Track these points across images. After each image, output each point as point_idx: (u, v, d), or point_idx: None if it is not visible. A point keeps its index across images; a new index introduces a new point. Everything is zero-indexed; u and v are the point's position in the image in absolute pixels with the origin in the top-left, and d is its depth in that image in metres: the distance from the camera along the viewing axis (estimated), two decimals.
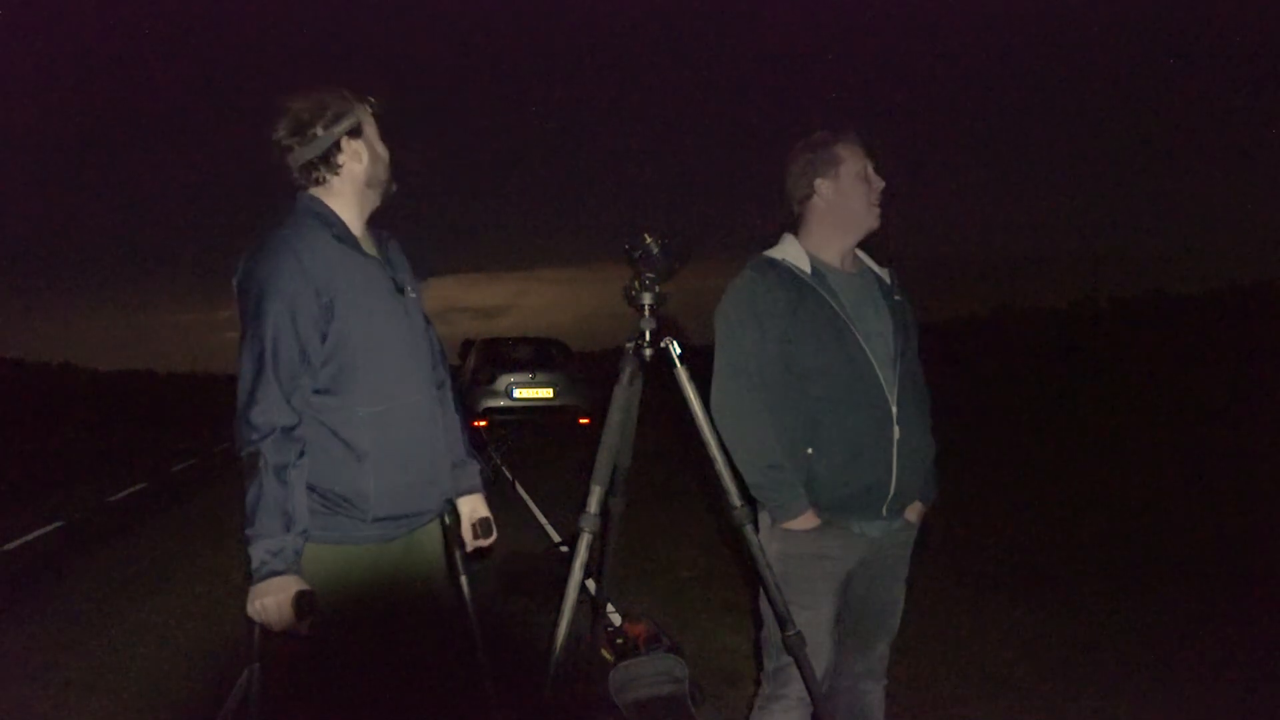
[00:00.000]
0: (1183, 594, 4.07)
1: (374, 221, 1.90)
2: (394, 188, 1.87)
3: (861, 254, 2.12)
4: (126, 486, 8.54)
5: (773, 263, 2.03)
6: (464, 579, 1.98)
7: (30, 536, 6.18)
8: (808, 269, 2.01)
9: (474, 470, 2.00)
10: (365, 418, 1.72)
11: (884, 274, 2.11)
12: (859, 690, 2.12)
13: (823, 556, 1.98)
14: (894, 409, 1.95)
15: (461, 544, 1.98)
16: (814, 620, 1.98)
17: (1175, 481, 6.89)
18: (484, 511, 1.98)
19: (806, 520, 1.95)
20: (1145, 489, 6.66)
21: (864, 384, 1.95)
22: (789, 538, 1.97)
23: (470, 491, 1.99)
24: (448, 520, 1.97)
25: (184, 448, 12.56)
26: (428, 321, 1.98)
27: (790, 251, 2.04)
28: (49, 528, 6.47)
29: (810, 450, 1.95)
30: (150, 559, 5.44)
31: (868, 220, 2.03)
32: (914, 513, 2.07)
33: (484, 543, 1.97)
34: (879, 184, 2.04)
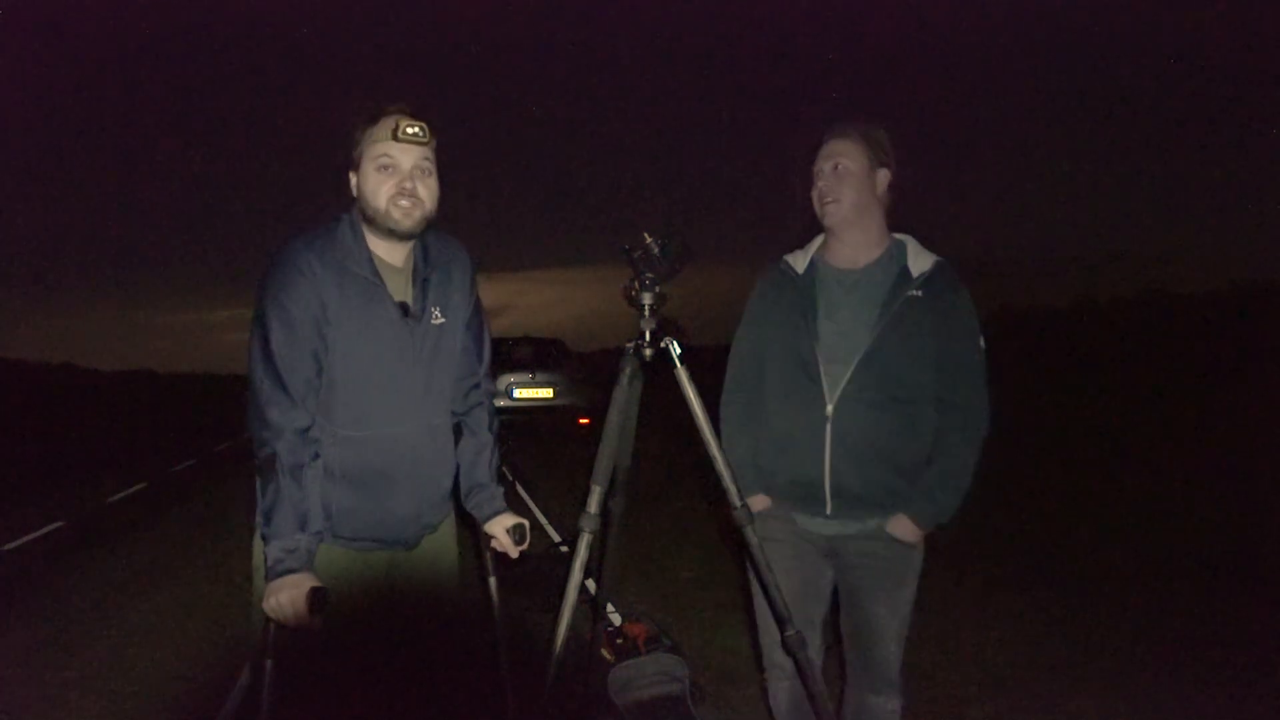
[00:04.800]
0: (1183, 593, 4.08)
1: (434, 238, 1.86)
2: (401, 224, 1.74)
3: (913, 249, 2.04)
4: (126, 486, 8.53)
5: (777, 264, 2.13)
6: (492, 580, 1.99)
7: (30, 536, 6.17)
8: (800, 268, 2.08)
9: (496, 494, 1.97)
10: (339, 439, 1.73)
11: (918, 269, 1.99)
12: (866, 704, 2.10)
13: (770, 539, 2.02)
14: (829, 407, 1.97)
15: (492, 548, 1.99)
16: (763, 606, 2.10)
17: (1176, 481, 6.89)
18: (514, 519, 1.96)
19: (759, 501, 2.08)
20: (1145, 489, 6.66)
21: (805, 379, 2.00)
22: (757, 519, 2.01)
23: (496, 515, 1.97)
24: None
25: (184, 448, 12.55)
26: (478, 342, 1.96)
27: (801, 252, 2.13)
28: (49, 528, 6.46)
29: (757, 439, 2.07)
30: (150, 559, 5.44)
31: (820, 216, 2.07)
32: (900, 528, 2.00)
33: (523, 547, 1.97)
34: (819, 180, 2.07)
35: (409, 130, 1.72)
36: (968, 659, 3.35)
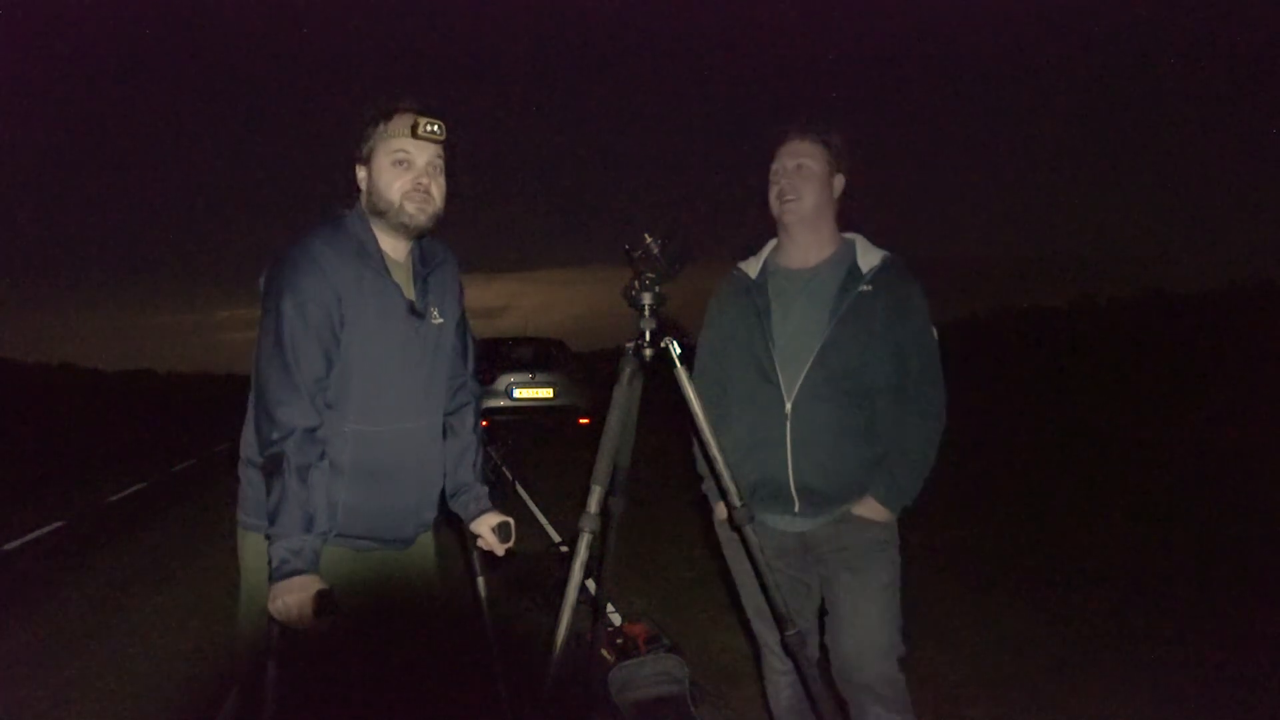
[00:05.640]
0: (1183, 594, 4.08)
1: (433, 239, 1.87)
2: (415, 219, 1.75)
3: (863, 247, 2.07)
4: (126, 486, 8.53)
5: (733, 271, 2.19)
6: (480, 580, 1.99)
7: (30, 536, 6.18)
8: (753, 273, 2.13)
9: (481, 494, 1.98)
10: (350, 435, 1.72)
11: (867, 265, 2.02)
12: (856, 700, 2.05)
13: (735, 541, 2.03)
14: (787, 406, 1.99)
15: (478, 547, 1.99)
16: (747, 600, 2.15)
17: (1176, 481, 6.89)
18: (499, 518, 1.97)
19: (718, 510, 2.13)
20: (1145, 489, 6.66)
21: (763, 380, 2.02)
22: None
23: (481, 514, 1.97)
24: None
25: (184, 448, 12.56)
26: (465, 343, 1.97)
27: (754, 258, 2.17)
28: (49, 528, 6.47)
29: (724, 441, 2.06)
30: (150, 559, 5.44)
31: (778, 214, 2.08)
32: (865, 508, 2.00)
33: (509, 545, 1.97)
34: (780, 179, 2.07)
35: (429, 128, 1.73)
36: (968, 659, 3.35)
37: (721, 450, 1.92)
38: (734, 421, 2.10)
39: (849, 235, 2.11)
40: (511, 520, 1.98)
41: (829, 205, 2.06)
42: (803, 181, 2.02)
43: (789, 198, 2.03)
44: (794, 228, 2.06)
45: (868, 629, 1.98)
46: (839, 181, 2.08)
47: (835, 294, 2.00)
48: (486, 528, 1.95)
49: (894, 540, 2.05)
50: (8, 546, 5.87)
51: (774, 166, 2.07)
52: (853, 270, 2.02)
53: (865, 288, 1.99)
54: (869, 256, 2.04)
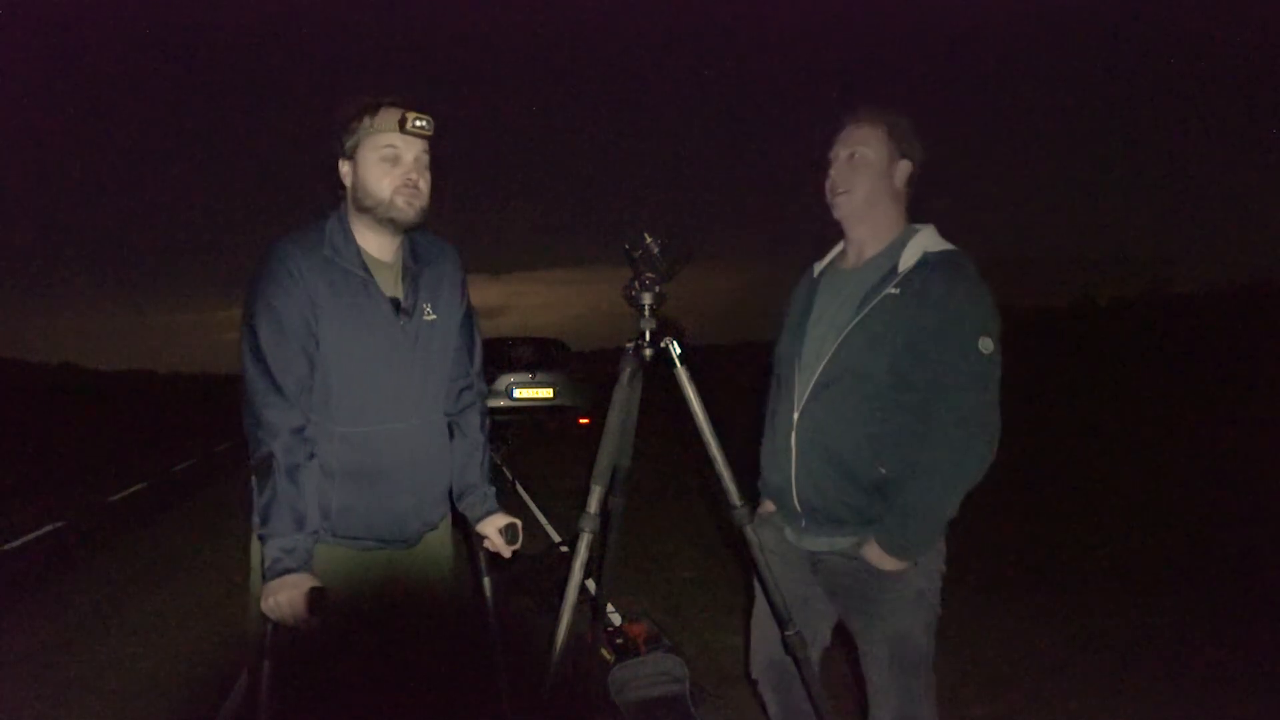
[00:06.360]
0: (1183, 594, 4.07)
1: (425, 233, 1.85)
2: (404, 214, 1.74)
3: (917, 243, 1.84)
4: (126, 486, 8.53)
5: (805, 268, 2.11)
6: (486, 581, 1.99)
7: (30, 536, 6.18)
8: (815, 272, 2.06)
9: (489, 494, 1.97)
10: (337, 437, 1.72)
11: (906, 264, 1.82)
12: None
13: (765, 549, 1.95)
14: (795, 413, 1.90)
15: (485, 548, 1.98)
16: (757, 607, 2.08)
17: (1176, 481, 6.88)
18: (507, 519, 1.96)
19: (764, 506, 2.07)
20: (1146, 489, 6.65)
21: (786, 384, 1.97)
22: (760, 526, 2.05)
23: (488, 515, 1.96)
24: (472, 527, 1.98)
25: (184, 448, 12.56)
26: (470, 341, 1.95)
27: (829, 255, 2.09)
28: (49, 528, 6.47)
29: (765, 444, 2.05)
30: (150, 559, 5.44)
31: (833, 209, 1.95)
32: (871, 553, 1.81)
33: (515, 547, 1.96)
34: (831, 170, 1.93)
35: (418, 123, 1.73)
36: (968, 659, 3.35)
37: (721, 450, 1.91)
38: (766, 424, 2.05)
39: (916, 227, 1.89)
40: (519, 522, 1.97)
41: (887, 196, 1.87)
42: (853, 172, 1.86)
43: (839, 191, 1.88)
44: (846, 222, 1.92)
45: (882, 704, 1.87)
46: (903, 168, 1.88)
47: (863, 297, 1.83)
48: (494, 529, 1.94)
49: (921, 598, 1.84)
50: (8, 546, 5.87)
51: (829, 155, 1.93)
52: (892, 270, 1.82)
53: (893, 290, 1.78)
54: (912, 253, 1.81)
